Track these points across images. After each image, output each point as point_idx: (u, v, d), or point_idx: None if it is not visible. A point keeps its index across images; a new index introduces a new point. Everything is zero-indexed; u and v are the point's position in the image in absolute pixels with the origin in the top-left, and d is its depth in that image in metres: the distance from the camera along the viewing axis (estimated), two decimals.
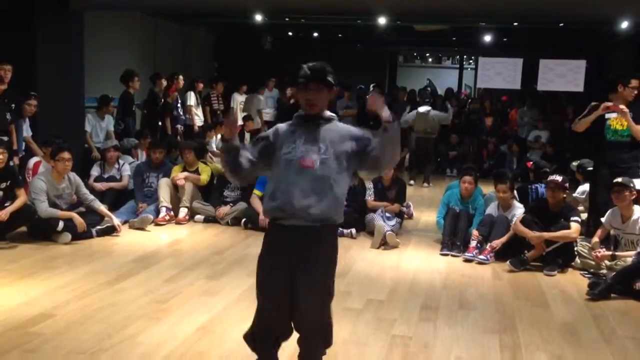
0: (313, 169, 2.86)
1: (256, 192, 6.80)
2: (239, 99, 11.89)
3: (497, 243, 5.76)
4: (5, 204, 5.65)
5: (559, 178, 5.71)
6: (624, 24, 10.25)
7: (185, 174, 7.14)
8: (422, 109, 10.47)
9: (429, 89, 15.02)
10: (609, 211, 5.68)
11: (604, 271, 5.31)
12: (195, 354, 3.50)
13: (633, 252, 5.18)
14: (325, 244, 2.96)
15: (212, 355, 3.51)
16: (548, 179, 5.82)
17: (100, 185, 7.15)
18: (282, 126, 3.03)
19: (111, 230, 6.15)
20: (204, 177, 7.22)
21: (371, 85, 13.54)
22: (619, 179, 5.59)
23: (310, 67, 2.91)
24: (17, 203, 5.67)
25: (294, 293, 2.88)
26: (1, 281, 4.66)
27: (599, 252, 5.30)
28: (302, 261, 2.87)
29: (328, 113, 3.00)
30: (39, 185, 5.85)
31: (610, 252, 5.29)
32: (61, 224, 5.78)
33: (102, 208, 6.23)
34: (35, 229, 5.87)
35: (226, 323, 3.98)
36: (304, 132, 2.93)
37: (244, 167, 2.95)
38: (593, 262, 5.44)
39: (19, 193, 5.73)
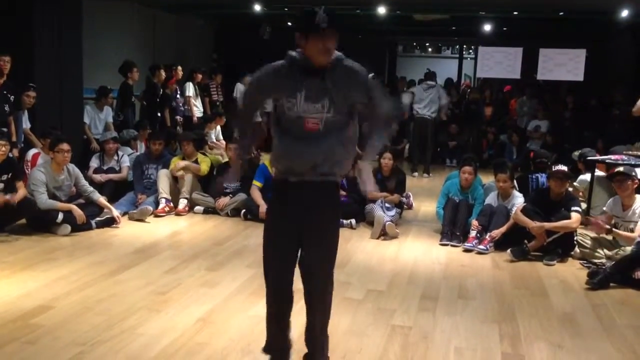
0: (317, 131, 2.80)
1: (256, 182, 6.79)
2: (241, 89, 11.88)
3: (497, 233, 5.76)
4: (6, 197, 5.63)
5: (564, 168, 5.70)
6: (624, 13, 10.23)
7: (186, 162, 7.13)
8: (426, 82, 10.34)
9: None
10: (610, 199, 5.70)
11: (604, 260, 5.32)
12: (195, 345, 3.51)
13: (633, 235, 5.18)
14: (330, 196, 2.93)
15: (212, 346, 3.51)
16: (555, 169, 5.80)
17: (99, 177, 7.14)
18: (275, 67, 2.85)
19: (111, 222, 6.15)
20: (204, 167, 7.21)
21: (369, 75, 13.49)
22: (621, 168, 5.60)
23: (327, 12, 2.71)
24: (20, 195, 5.65)
25: (302, 244, 2.90)
26: (1, 273, 4.66)
27: (599, 219, 5.29)
28: (310, 213, 2.87)
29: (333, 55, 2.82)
30: (39, 176, 5.84)
31: (608, 226, 5.27)
32: (60, 216, 5.77)
33: (102, 200, 6.23)
34: (35, 221, 5.86)
35: (226, 314, 3.98)
36: (305, 85, 2.78)
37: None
38: (592, 252, 5.45)
39: (19, 186, 5.72)
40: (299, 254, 2.95)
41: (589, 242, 5.54)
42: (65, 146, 5.96)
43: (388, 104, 2.93)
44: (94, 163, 7.38)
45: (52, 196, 5.90)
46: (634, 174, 5.45)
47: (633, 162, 6.57)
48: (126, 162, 7.47)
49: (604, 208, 5.72)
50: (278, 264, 2.97)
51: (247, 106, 3.06)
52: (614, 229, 5.28)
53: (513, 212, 5.81)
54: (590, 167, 7.10)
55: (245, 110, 3.07)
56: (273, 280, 3.00)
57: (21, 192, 5.70)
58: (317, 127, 2.80)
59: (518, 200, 6.01)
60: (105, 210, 6.26)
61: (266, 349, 3.16)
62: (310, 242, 2.91)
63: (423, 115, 10.25)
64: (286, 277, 2.98)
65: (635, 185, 5.43)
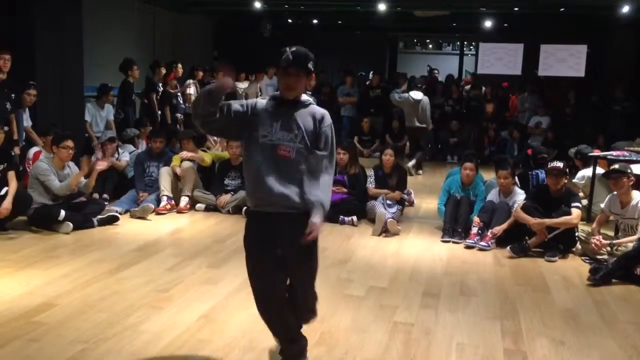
0: (289, 159, 2.93)
1: None
2: (241, 86, 11.87)
3: (498, 229, 5.76)
4: (3, 188, 5.61)
5: (560, 164, 5.69)
6: (625, 9, 10.21)
7: (190, 153, 7.15)
8: (415, 95, 10.02)
9: (435, 71, 14.85)
10: (608, 197, 5.69)
11: (605, 257, 5.31)
12: (197, 342, 3.52)
13: (632, 238, 5.19)
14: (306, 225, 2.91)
15: (214, 343, 3.52)
16: (549, 166, 5.81)
17: (100, 165, 7.05)
18: (260, 102, 3.04)
19: (112, 220, 6.16)
20: (207, 158, 7.26)
21: (371, 72, 13.49)
22: (616, 166, 5.59)
23: (293, 53, 2.92)
24: (12, 188, 5.63)
25: (284, 273, 3.04)
26: (3, 271, 4.67)
27: (598, 240, 5.30)
28: (287, 246, 2.96)
29: (304, 97, 3.05)
30: (44, 166, 5.88)
31: (608, 241, 5.28)
32: (62, 214, 5.78)
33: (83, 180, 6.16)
34: (37, 219, 5.87)
35: (228, 311, 3.99)
36: (280, 116, 2.97)
37: (213, 115, 2.87)
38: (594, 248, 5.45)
39: (10, 176, 5.68)
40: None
41: (590, 237, 5.53)
42: (69, 143, 5.98)
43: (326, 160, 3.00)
44: (95, 158, 7.39)
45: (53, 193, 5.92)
46: (629, 170, 5.44)
47: (634, 158, 6.57)
48: (126, 156, 7.50)
49: (602, 205, 5.72)
50: (264, 289, 3.05)
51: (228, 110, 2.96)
52: (613, 242, 5.27)
53: (514, 208, 5.81)
54: (588, 163, 7.10)
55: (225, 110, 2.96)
56: (263, 302, 3.08)
57: (13, 183, 5.66)
58: (289, 155, 2.93)
59: (519, 197, 6.02)
60: (107, 208, 6.27)
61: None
62: (292, 267, 3.03)
63: (412, 125, 10.16)
64: (275, 299, 3.07)
65: (631, 182, 5.41)
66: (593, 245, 5.31)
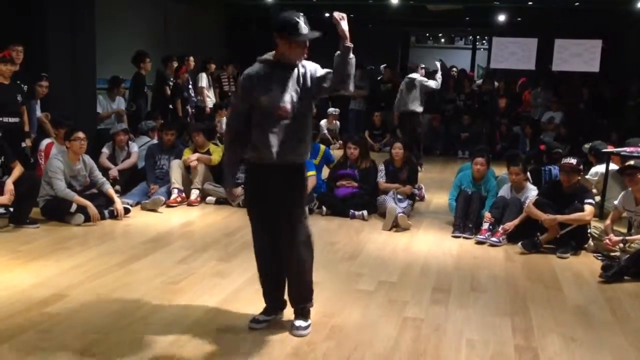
0: (288, 118, 3.31)
1: None
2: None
3: (510, 225, 5.73)
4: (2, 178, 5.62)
5: (573, 161, 5.64)
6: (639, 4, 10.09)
7: (197, 155, 7.15)
8: (413, 75, 9.87)
9: (454, 69, 14.65)
10: (622, 193, 5.64)
11: (618, 254, 5.27)
12: (207, 335, 3.51)
13: None
14: (296, 177, 3.46)
15: (225, 335, 3.51)
16: (562, 162, 5.76)
17: (112, 172, 7.12)
18: (253, 70, 3.38)
19: (123, 212, 6.17)
20: (216, 157, 7.22)
21: (381, 67, 13.43)
22: (632, 162, 5.54)
23: (305, 21, 3.28)
24: (16, 173, 5.59)
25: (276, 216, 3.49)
26: (15, 262, 4.70)
27: (611, 237, 5.26)
28: (279, 190, 3.42)
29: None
30: (57, 164, 5.88)
31: (621, 238, 5.24)
32: (74, 206, 5.81)
33: (110, 191, 6.23)
34: (48, 211, 5.90)
35: (238, 304, 3.99)
36: (278, 78, 3.32)
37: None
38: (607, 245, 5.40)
39: (14, 165, 5.66)
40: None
41: (602, 234, 5.49)
42: (80, 134, 6.00)
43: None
44: (106, 150, 7.42)
45: (68, 185, 5.94)
46: None
47: None
48: (135, 147, 7.51)
49: (615, 202, 5.67)
50: (261, 238, 3.61)
51: (239, 116, 3.47)
52: (627, 238, 5.23)
53: (526, 204, 5.77)
54: (602, 159, 7.03)
55: (239, 125, 3.47)
56: (259, 252, 3.66)
57: (17, 169, 5.63)
58: (288, 115, 3.32)
59: (532, 193, 5.97)
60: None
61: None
62: (277, 204, 3.46)
63: (407, 110, 9.88)
64: (269, 249, 3.60)
65: None
66: (605, 244, 5.27)
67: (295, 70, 3.36)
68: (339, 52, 3.28)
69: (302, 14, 3.29)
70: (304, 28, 3.25)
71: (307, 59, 3.41)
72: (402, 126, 10.14)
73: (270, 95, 3.30)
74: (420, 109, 9.85)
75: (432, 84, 9.88)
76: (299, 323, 3.57)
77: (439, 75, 10.05)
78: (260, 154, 3.37)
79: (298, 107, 3.34)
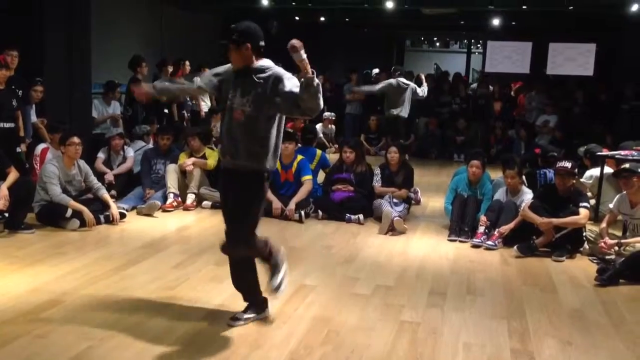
0: (240, 121, 3.41)
1: None
2: None
3: (505, 229, 5.74)
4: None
5: (568, 164, 5.66)
6: (634, 7, 10.15)
7: (193, 159, 7.14)
8: (400, 80, 9.63)
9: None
10: (617, 196, 5.65)
11: (613, 257, 5.28)
12: (204, 339, 3.51)
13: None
14: (248, 187, 3.49)
15: (221, 340, 3.52)
16: (557, 166, 5.78)
17: (108, 176, 7.11)
18: (230, 70, 3.55)
19: (119, 217, 6.15)
20: (211, 161, 7.21)
21: (373, 71, 13.47)
22: (627, 165, 5.56)
23: (256, 27, 3.50)
24: (11, 178, 5.56)
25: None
26: (10, 267, 4.68)
27: (606, 241, 5.27)
28: (231, 195, 3.57)
29: (259, 64, 3.45)
30: (52, 169, 5.87)
31: (616, 241, 5.25)
32: (69, 211, 5.80)
33: (106, 196, 6.21)
34: (44, 216, 5.88)
35: (234, 309, 3.98)
36: (240, 83, 3.46)
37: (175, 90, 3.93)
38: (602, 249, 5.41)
39: (9, 170, 5.62)
40: None
41: (597, 238, 5.51)
42: (75, 139, 5.98)
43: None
44: (102, 154, 7.40)
45: (64, 190, 5.92)
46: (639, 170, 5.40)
47: None
48: (130, 152, 7.49)
49: (610, 206, 5.68)
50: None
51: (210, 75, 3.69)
52: (622, 241, 5.24)
53: (522, 208, 5.78)
54: (597, 162, 7.06)
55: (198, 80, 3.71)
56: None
57: (12, 174, 5.60)
58: (240, 118, 3.42)
59: (527, 196, 5.98)
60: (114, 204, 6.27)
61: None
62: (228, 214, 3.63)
63: (391, 114, 9.72)
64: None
65: None
66: (600, 247, 5.28)
67: (252, 76, 3.43)
68: (302, 83, 3.27)
69: (248, 22, 3.49)
70: (237, 30, 3.41)
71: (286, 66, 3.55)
72: (386, 130, 10.13)
73: (232, 96, 3.46)
74: (405, 115, 9.86)
75: (420, 92, 9.81)
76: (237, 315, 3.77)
77: (424, 86, 9.93)
78: (221, 151, 3.60)
79: (250, 114, 3.39)
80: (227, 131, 3.49)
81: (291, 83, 3.37)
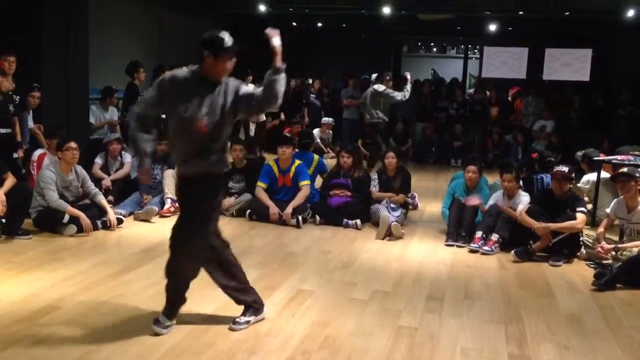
0: (205, 133, 3.40)
1: (260, 184, 6.81)
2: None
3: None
4: None
5: (565, 169, 5.68)
6: (630, 13, 10.19)
7: None
8: (378, 87, 9.87)
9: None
10: (614, 201, 5.67)
11: (610, 261, 5.30)
12: (200, 345, 3.51)
13: (638, 242, 5.17)
14: (206, 188, 3.53)
15: (218, 346, 3.51)
16: (554, 170, 5.79)
17: (105, 182, 7.10)
18: (178, 75, 3.47)
19: (117, 222, 6.15)
20: None
21: (373, 76, 13.49)
22: (625, 169, 5.58)
23: (224, 38, 3.39)
24: (8, 184, 5.53)
25: None
26: (7, 273, 4.67)
27: (603, 245, 5.28)
28: (186, 198, 3.60)
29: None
30: (49, 174, 5.86)
31: (613, 245, 5.27)
32: (66, 217, 5.79)
33: (103, 201, 6.20)
34: (41, 222, 5.87)
35: (231, 314, 3.98)
36: (200, 94, 3.40)
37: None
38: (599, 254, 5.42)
39: (6, 176, 5.60)
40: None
41: (594, 242, 5.52)
42: (73, 144, 5.98)
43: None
44: (99, 160, 7.39)
45: (61, 196, 5.91)
46: (637, 175, 5.42)
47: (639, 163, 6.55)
48: (128, 158, 7.49)
49: (607, 210, 5.70)
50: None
51: (152, 100, 3.56)
52: (619, 246, 5.26)
53: (517, 210, 5.80)
54: (595, 167, 7.08)
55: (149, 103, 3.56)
56: None
57: (9, 180, 5.57)
58: (205, 129, 3.40)
59: (523, 198, 5.98)
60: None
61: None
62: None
63: (370, 121, 9.91)
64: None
65: (639, 187, 5.39)
66: (597, 252, 5.29)
67: (218, 87, 3.43)
68: (270, 70, 3.34)
69: (227, 32, 3.44)
70: (228, 43, 3.37)
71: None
72: (367, 136, 10.17)
73: (188, 108, 3.39)
74: (384, 120, 9.89)
75: (398, 96, 9.88)
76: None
77: (408, 87, 9.99)
78: (178, 162, 3.60)
79: (215, 124, 3.40)
80: (180, 139, 3.47)
81: (246, 87, 3.48)
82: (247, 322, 3.78)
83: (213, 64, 3.39)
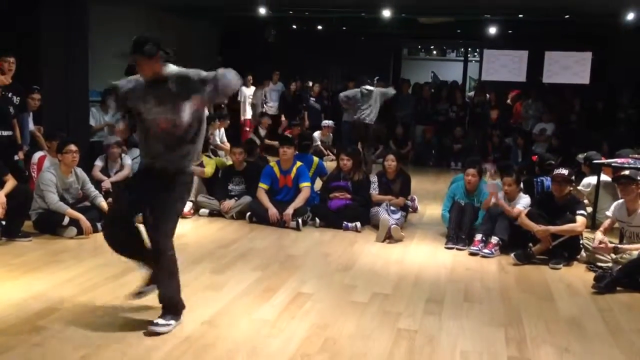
0: (168, 130, 3.53)
1: (262, 185, 6.82)
2: (246, 92, 11.88)
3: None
4: None
5: (565, 172, 5.68)
6: (630, 16, 10.20)
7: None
8: (366, 88, 9.79)
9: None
10: (614, 203, 5.67)
11: (610, 264, 5.29)
12: (201, 348, 3.51)
13: (638, 245, 5.17)
14: (175, 184, 3.62)
15: (218, 348, 3.51)
16: (554, 173, 5.80)
17: (105, 184, 7.11)
18: (137, 81, 3.64)
19: None
20: (209, 169, 7.22)
21: (375, 78, 13.51)
22: (626, 172, 5.58)
23: (133, 40, 3.49)
24: (8, 186, 5.54)
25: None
26: (8, 275, 4.67)
27: (604, 240, 5.26)
28: (158, 192, 3.59)
29: (167, 70, 3.54)
30: (49, 177, 5.87)
31: (612, 245, 5.26)
32: (66, 219, 5.79)
33: (103, 204, 6.20)
34: (41, 224, 5.88)
35: (232, 317, 3.99)
36: (153, 94, 3.54)
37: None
38: (599, 256, 5.42)
39: (7, 178, 5.61)
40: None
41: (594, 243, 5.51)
42: (72, 147, 5.98)
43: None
44: (99, 162, 7.39)
45: (61, 198, 5.91)
46: (639, 178, 5.42)
47: (639, 166, 6.55)
48: (128, 159, 7.49)
49: (608, 213, 5.70)
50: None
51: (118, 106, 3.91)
52: (618, 246, 5.24)
53: (516, 208, 5.82)
54: (596, 170, 7.08)
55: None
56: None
57: (10, 182, 5.57)
58: (168, 127, 3.53)
59: (523, 200, 5.97)
60: None
61: None
62: (151, 212, 3.66)
63: (362, 120, 9.84)
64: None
65: None
66: (598, 245, 5.25)
67: (167, 83, 3.53)
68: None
69: (136, 37, 3.54)
70: (136, 45, 3.48)
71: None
72: (354, 136, 10.14)
73: (147, 108, 3.56)
74: (372, 120, 9.88)
75: (390, 90, 10.12)
76: (156, 320, 3.72)
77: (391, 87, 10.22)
78: (148, 162, 3.70)
79: (174, 118, 3.51)
80: (146, 137, 3.63)
81: (195, 73, 3.52)
82: (167, 325, 3.77)
83: (137, 65, 3.55)
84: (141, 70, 3.55)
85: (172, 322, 3.73)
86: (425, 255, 5.76)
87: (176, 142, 3.57)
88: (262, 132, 11.62)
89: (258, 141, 9.95)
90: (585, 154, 7.76)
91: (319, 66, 15.35)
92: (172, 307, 3.77)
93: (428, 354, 3.56)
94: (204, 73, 3.51)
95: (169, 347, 3.50)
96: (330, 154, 11.87)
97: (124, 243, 3.82)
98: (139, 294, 3.91)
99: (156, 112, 3.54)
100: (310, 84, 13.37)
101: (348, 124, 12.33)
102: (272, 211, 6.55)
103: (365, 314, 4.14)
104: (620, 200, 5.55)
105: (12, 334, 3.59)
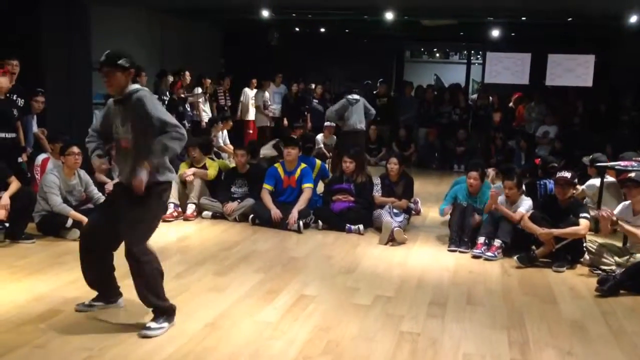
0: (129, 149, 3.66)
1: (266, 186, 6.83)
2: (249, 94, 11.90)
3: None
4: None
5: (567, 174, 5.67)
6: (633, 18, 10.20)
7: (193, 169, 7.16)
8: (353, 97, 9.47)
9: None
10: (621, 204, 5.65)
11: (613, 267, 5.28)
12: (203, 350, 3.51)
13: (637, 230, 5.13)
14: (150, 197, 3.66)
15: (220, 351, 3.51)
16: (557, 176, 5.79)
17: (108, 186, 7.11)
18: (108, 106, 3.79)
19: None
20: (212, 172, 7.23)
21: (378, 81, 13.52)
22: (632, 175, 5.56)
23: (105, 54, 3.63)
24: (12, 188, 5.57)
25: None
26: (11, 277, 4.68)
27: (607, 209, 5.21)
28: (126, 204, 3.69)
29: (130, 88, 3.64)
30: (52, 179, 5.88)
31: (614, 218, 5.18)
32: (70, 221, 5.80)
33: None
34: (44, 226, 5.89)
35: (234, 319, 3.99)
36: (118, 113, 3.69)
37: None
38: (602, 259, 5.41)
39: (11, 180, 5.64)
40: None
41: (598, 248, 5.50)
42: (75, 149, 6.00)
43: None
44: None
45: (64, 200, 5.93)
46: None
47: None
48: None
49: (614, 212, 5.67)
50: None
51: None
52: (620, 222, 5.20)
53: (517, 211, 5.81)
54: (601, 172, 7.06)
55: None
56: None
57: (14, 184, 5.61)
58: (128, 146, 3.66)
59: (525, 202, 5.96)
60: None
61: None
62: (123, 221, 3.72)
63: (354, 128, 9.86)
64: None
65: None
66: (602, 213, 5.20)
67: (129, 101, 3.61)
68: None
69: (109, 51, 3.67)
70: (102, 58, 3.63)
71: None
72: (345, 143, 10.09)
73: (115, 127, 3.71)
74: (363, 127, 9.86)
75: (372, 110, 9.72)
76: (148, 324, 3.73)
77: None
78: (120, 178, 3.83)
79: (136, 137, 3.61)
80: (117, 155, 3.81)
81: (157, 110, 3.58)
82: (94, 306, 4.02)
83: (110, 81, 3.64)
84: (107, 83, 3.64)
85: (165, 324, 3.73)
86: (428, 257, 5.76)
87: (139, 159, 3.62)
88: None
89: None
90: (590, 156, 7.74)
91: (321, 68, 15.37)
92: (162, 311, 3.77)
93: (431, 356, 3.56)
94: (168, 119, 3.60)
95: (172, 349, 3.50)
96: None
97: (98, 274, 4.01)
98: (89, 305, 4.04)
99: (121, 131, 3.67)
100: (313, 86, 13.39)
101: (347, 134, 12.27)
102: (275, 211, 6.56)
103: (367, 317, 4.13)
104: (627, 202, 5.55)
105: (14, 336, 3.59)
